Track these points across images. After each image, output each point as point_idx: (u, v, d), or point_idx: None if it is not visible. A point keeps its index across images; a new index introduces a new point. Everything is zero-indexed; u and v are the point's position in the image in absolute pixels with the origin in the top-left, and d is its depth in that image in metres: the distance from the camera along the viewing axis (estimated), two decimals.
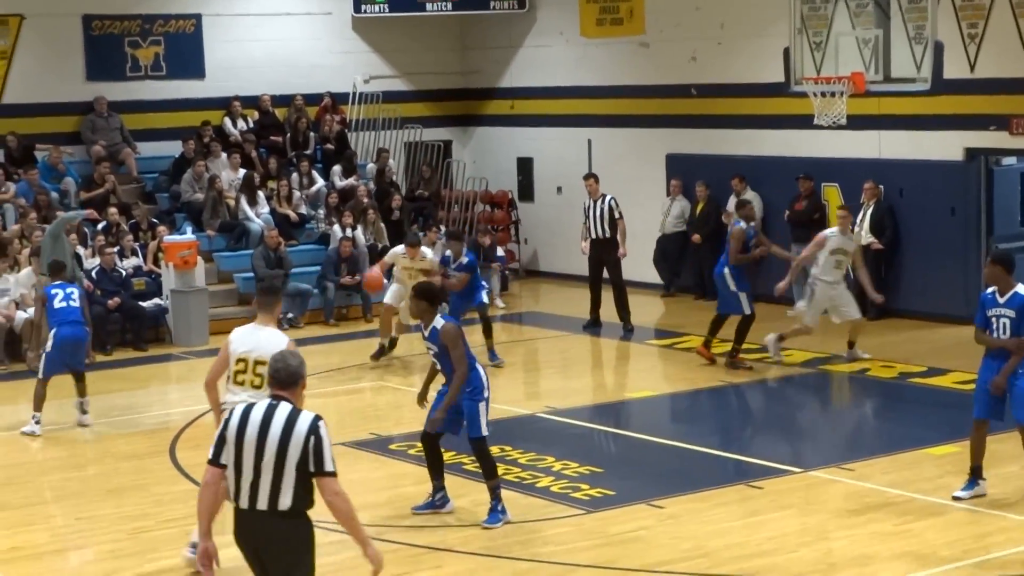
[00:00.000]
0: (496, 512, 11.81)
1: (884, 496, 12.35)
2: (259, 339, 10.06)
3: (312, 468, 7.51)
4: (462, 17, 26.97)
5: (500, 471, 13.27)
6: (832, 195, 21.55)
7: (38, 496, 13.39)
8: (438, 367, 11.95)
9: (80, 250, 20.64)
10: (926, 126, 20.42)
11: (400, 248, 18.51)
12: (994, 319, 11.80)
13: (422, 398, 12.38)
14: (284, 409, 7.58)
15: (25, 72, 23.30)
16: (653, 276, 23.97)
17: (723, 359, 17.94)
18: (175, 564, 10.85)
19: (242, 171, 23.50)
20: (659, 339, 20.53)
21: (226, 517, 7.86)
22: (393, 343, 18.93)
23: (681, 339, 20.12)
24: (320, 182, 24.38)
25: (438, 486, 12.11)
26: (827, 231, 18.20)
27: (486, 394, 11.79)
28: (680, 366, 18.62)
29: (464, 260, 18.17)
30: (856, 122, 20.69)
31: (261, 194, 23.35)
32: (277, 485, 7.49)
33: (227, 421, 7.67)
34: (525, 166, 26.86)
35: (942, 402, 16.17)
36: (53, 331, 15.51)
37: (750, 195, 22.42)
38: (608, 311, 20.83)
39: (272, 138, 25.00)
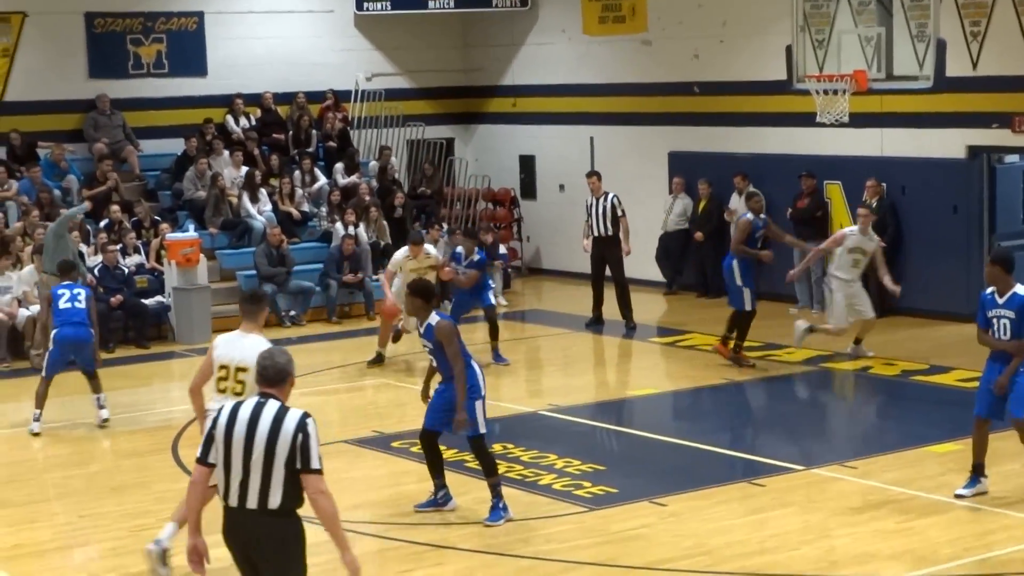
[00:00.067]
0: (498, 509, 11.82)
1: (886, 494, 12.35)
2: (242, 346, 10.04)
3: (299, 465, 7.48)
4: (464, 15, 26.97)
5: (502, 469, 13.29)
6: (834, 193, 21.56)
7: (41, 493, 13.40)
8: (434, 364, 11.97)
9: (83, 248, 20.64)
10: (928, 124, 20.41)
11: (402, 251, 18.32)
12: (995, 320, 11.77)
13: (425, 395, 12.40)
14: (272, 407, 7.57)
15: (28, 70, 23.31)
16: (655, 274, 23.98)
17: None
18: (178, 562, 10.85)
19: (244, 169, 23.50)
20: (661, 337, 20.53)
21: (216, 516, 7.83)
22: (398, 335, 18.77)
23: (683, 337, 20.13)
24: (322, 180, 24.38)
25: (439, 484, 12.12)
26: (847, 229, 18.18)
27: (482, 392, 11.77)
28: (682, 364, 18.62)
29: (475, 258, 18.19)
30: (858, 120, 20.69)
31: (263, 191, 23.35)
32: (267, 483, 7.47)
33: (215, 420, 7.66)
34: (527, 164, 26.86)
35: (944, 400, 16.16)
36: (55, 331, 15.52)
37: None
38: (610, 309, 20.83)
39: (274, 136, 25.01)
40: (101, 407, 15.72)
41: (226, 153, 23.84)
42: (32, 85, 23.33)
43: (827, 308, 18.46)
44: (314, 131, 25.31)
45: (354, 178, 24.50)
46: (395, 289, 17.94)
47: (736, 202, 22.61)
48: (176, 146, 24.16)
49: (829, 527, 11.56)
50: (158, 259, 21.48)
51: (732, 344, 17.80)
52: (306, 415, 7.59)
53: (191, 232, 21.95)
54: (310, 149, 25.00)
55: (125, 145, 23.76)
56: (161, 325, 21.03)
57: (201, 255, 21.20)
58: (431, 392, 12.21)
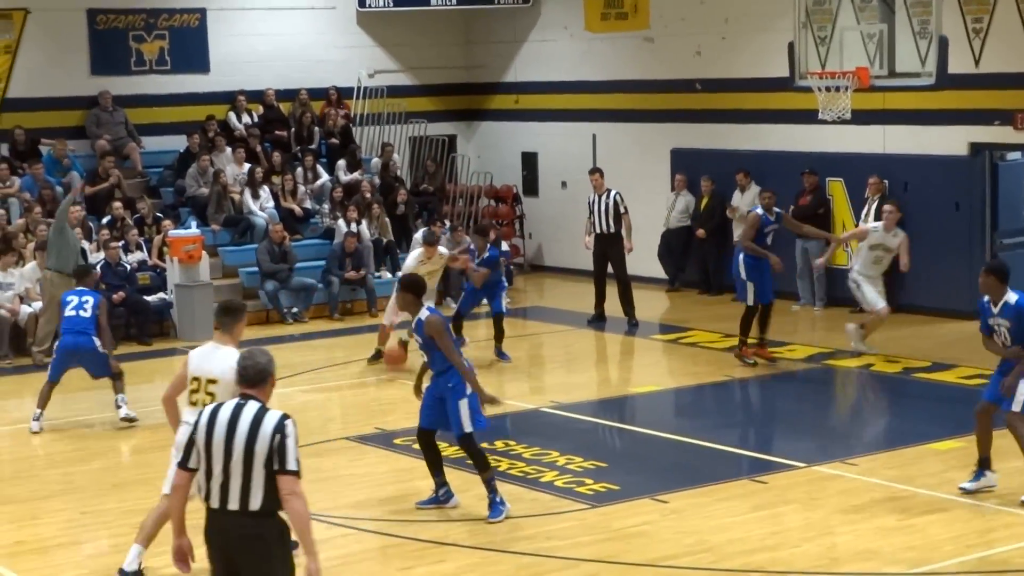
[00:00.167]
0: (496, 505, 11.82)
1: (888, 491, 12.35)
2: (213, 359, 10.02)
3: (275, 466, 7.42)
4: (466, 11, 26.97)
5: (504, 466, 13.32)
6: (836, 190, 21.57)
7: (43, 490, 13.40)
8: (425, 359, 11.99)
9: (85, 244, 20.64)
10: (930, 121, 20.41)
11: (416, 254, 18.03)
12: (995, 326, 11.96)
13: (418, 389, 12.42)
14: (251, 408, 7.53)
15: (30, 66, 23.32)
16: (658, 271, 23.99)
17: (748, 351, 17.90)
18: (163, 562, 10.85)
19: (247, 166, 23.51)
20: (664, 334, 20.53)
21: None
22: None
23: (685, 334, 20.13)
24: (324, 177, 24.39)
25: (440, 482, 12.12)
26: (871, 224, 18.10)
27: (468, 390, 11.74)
28: (684, 360, 18.62)
29: (487, 255, 18.13)
30: (861, 117, 20.67)
31: (266, 188, 23.35)
32: (247, 485, 7.42)
33: (196, 423, 7.64)
34: (530, 161, 26.86)
35: (946, 397, 16.16)
36: (60, 339, 15.59)
37: (755, 190, 22.44)
38: (613, 306, 20.83)
39: (277, 132, 25.01)
40: (118, 407, 15.63)
41: (228, 150, 23.84)
42: (34, 82, 23.34)
43: (861, 302, 18.32)
44: (316, 128, 25.31)
45: (356, 175, 24.50)
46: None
47: (738, 199, 22.62)
48: (178, 143, 24.16)
49: (831, 524, 11.57)
50: (160, 256, 21.48)
51: (766, 344, 17.80)
52: (285, 416, 7.51)
53: (193, 229, 21.96)
54: (312, 146, 25.01)
55: (127, 142, 23.77)
56: (163, 322, 21.04)
57: (203, 252, 21.21)
58: (423, 387, 12.24)
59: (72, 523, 12.27)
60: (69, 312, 15.43)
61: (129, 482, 13.42)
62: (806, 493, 12.41)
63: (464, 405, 11.71)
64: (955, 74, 20.09)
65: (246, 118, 24.86)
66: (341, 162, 24.73)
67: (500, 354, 18.38)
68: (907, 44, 20.74)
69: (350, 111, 26.03)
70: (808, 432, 15.37)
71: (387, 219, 23.67)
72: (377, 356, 18.51)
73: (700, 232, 23.20)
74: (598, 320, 21.00)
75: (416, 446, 12.37)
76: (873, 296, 17.81)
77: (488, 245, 18.28)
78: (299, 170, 24.21)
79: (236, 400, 7.60)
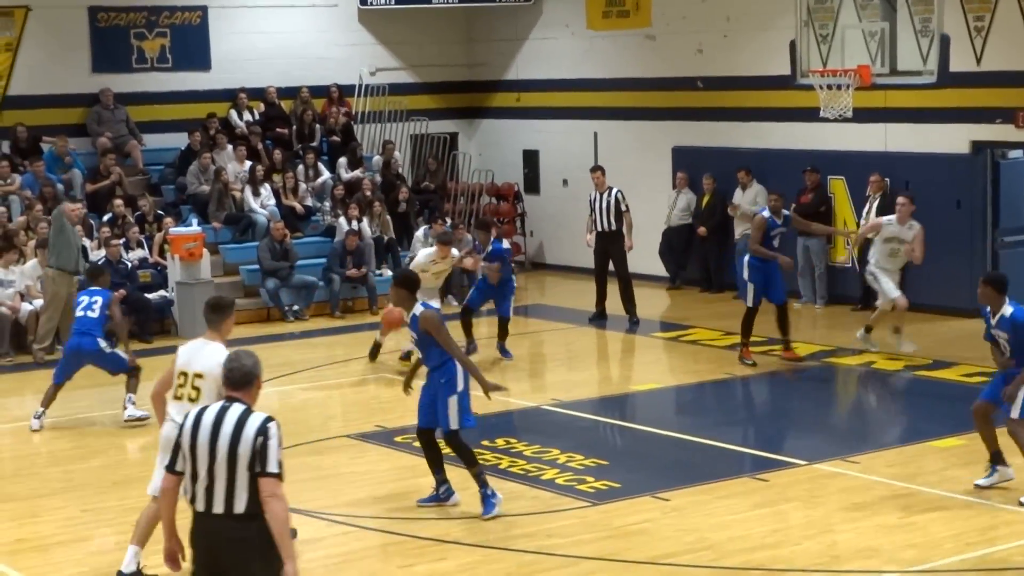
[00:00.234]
0: (488, 500, 11.81)
1: (889, 489, 12.35)
2: (201, 354, 10.02)
3: (257, 468, 7.38)
4: (468, 9, 26.96)
5: (505, 464, 13.34)
6: (838, 188, 21.57)
7: (44, 488, 13.40)
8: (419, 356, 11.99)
9: (86, 242, 20.64)
10: (932, 119, 20.40)
11: (429, 252, 17.63)
12: (996, 336, 12.02)
13: (407, 385, 12.41)
14: (236, 410, 7.50)
15: (31, 64, 23.31)
16: (659, 269, 23.98)
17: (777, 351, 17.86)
18: (155, 561, 10.85)
19: (248, 163, 23.50)
20: (665, 332, 20.53)
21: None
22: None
23: (687, 331, 20.12)
24: (326, 174, 24.38)
25: (440, 479, 12.12)
26: (884, 217, 17.85)
27: (459, 388, 11.73)
28: (685, 358, 18.62)
29: (491, 248, 18.00)
30: (862, 115, 20.66)
31: (267, 186, 23.34)
32: (231, 488, 7.38)
33: (181, 426, 7.61)
34: (531, 158, 26.85)
35: (947, 395, 16.15)
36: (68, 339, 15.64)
37: (756, 188, 22.46)
38: (614, 304, 20.83)
39: (278, 130, 25.00)
40: (124, 407, 15.60)
41: (229, 147, 23.84)
42: (36, 79, 23.34)
43: (879, 294, 18.12)
44: (318, 126, 25.30)
45: (358, 173, 24.49)
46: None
47: (739, 197, 22.61)
48: (180, 140, 24.16)
49: (832, 522, 11.56)
50: (161, 253, 21.48)
51: (791, 347, 17.69)
52: (269, 419, 7.49)
53: (194, 226, 21.94)
54: (314, 144, 25.00)
55: (128, 139, 23.77)
56: (164, 320, 21.03)
57: (204, 250, 21.20)
58: (412, 384, 12.25)
59: (73, 521, 12.26)
60: (79, 312, 15.45)
61: (130, 480, 13.40)
62: (807, 491, 12.40)
63: (454, 402, 11.69)
64: (957, 72, 20.08)
65: (247, 116, 24.85)
66: (342, 160, 24.73)
67: (503, 351, 18.32)
68: (909, 42, 20.73)
69: (351, 109, 26.02)
70: (809, 430, 15.37)
71: (388, 217, 23.67)
72: (376, 350, 18.38)
73: (701, 230, 23.20)
74: (599, 318, 21.00)
75: (417, 444, 12.36)
76: (889, 287, 17.61)
77: (491, 239, 18.20)
78: (300, 168, 24.20)
79: (221, 403, 7.57)
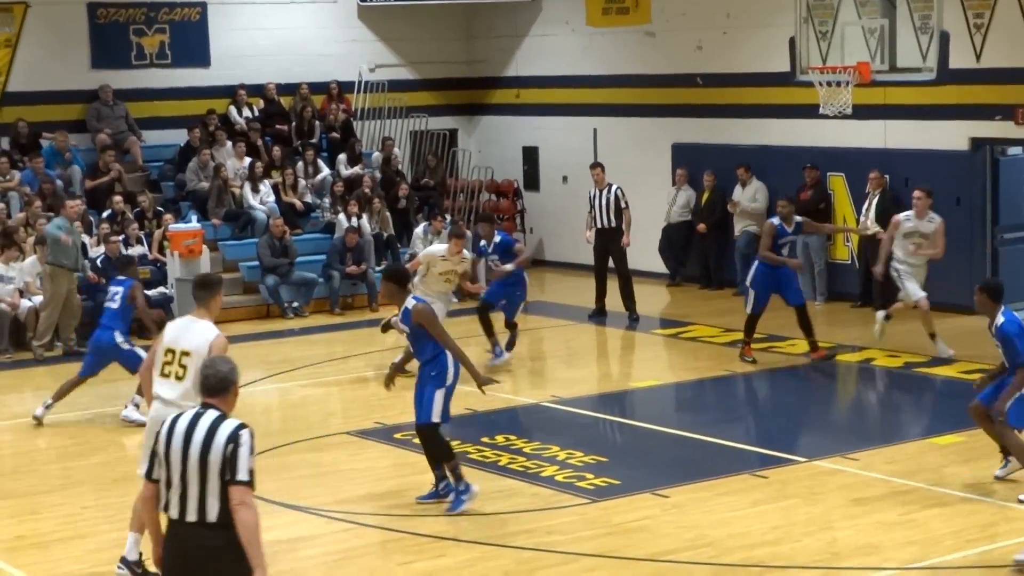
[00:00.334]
0: (459, 496, 11.81)
1: (889, 486, 12.35)
2: (190, 332, 10.01)
3: (228, 475, 7.27)
4: (468, 6, 26.95)
5: (505, 460, 13.34)
6: (838, 185, 21.56)
7: (43, 485, 13.39)
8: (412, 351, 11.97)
9: (85, 238, 20.64)
10: (931, 116, 20.40)
11: (440, 247, 17.19)
12: (995, 343, 12.05)
13: (390, 380, 12.37)
14: (209, 417, 7.38)
15: (30, 60, 23.30)
16: (658, 265, 23.98)
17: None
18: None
19: (247, 160, 23.49)
20: (664, 328, 20.53)
21: None
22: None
23: (686, 328, 20.12)
24: (325, 171, 24.38)
25: (440, 476, 12.11)
26: (901, 214, 17.62)
27: (448, 382, 11.73)
28: (685, 355, 18.62)
29: (497, 239, 17.72)
30: (861, 112, 20.67)
31: (266, 182, 23.33)
32: (203, 495, 7.28)
33: (157, 433, 7.55)
34: (531, 155, 26.85)
35: (947, 392, 16.17)
36: None
37: (756, 185, 22.46)
38: (613, 300, 20.82)
39: (277, 127, 25.00)
40: (126, 405, 15.53)
41: (229, 144, 23.84)
42: (35, 76, 23.32)
43: (902, 292, 17.97)
44: (317, 122, 25.30)
45: (357, 169, 24.49)
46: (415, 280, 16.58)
47: (739, 193, 22.61)
48: (179, 137, 24.15)
49: (831, 519, 11.56)
50: (161, 250, 21.48)
51: (819, 347, 17.55)
52: (242, 426, 7.35)
53: (194, 223, 21.95)
54: (313, 140, 25.00)
55: (128, 136, 23.77)
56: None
57: (204, 246, 21.21)
58: (395, 380, 12.26)
59: (72, 518, 12.26)
60: (106, 303, 15.50)
61: (129, 477, 13.33)
62: (807, 488, 12.40)
63: (440, 395, 11.69)
64: (956, 69, 20.08)
65: (247, 112, 24.85)
66: (342, 156, 24.73)
67: (502, 350, 17.84)
68: (908, 39, 20.73)
69: (351, 105, 26.01)
70: (809, 427, 15.38)
71: (388, 213, 23.66)
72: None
73: (701, 227, 23.20)
74: (599, 315, 21.00)
75: (416, 440, 12.36)
76: (913, 287, 17.35)
77: (495, 231, 18.02)
78: (300, 164, 24.20)
79: (196, 409, 7.49)
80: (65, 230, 18.94)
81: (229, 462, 7.26)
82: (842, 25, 21.22)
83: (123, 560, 10.37)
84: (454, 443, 13.12)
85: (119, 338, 15.26)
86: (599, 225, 20.58)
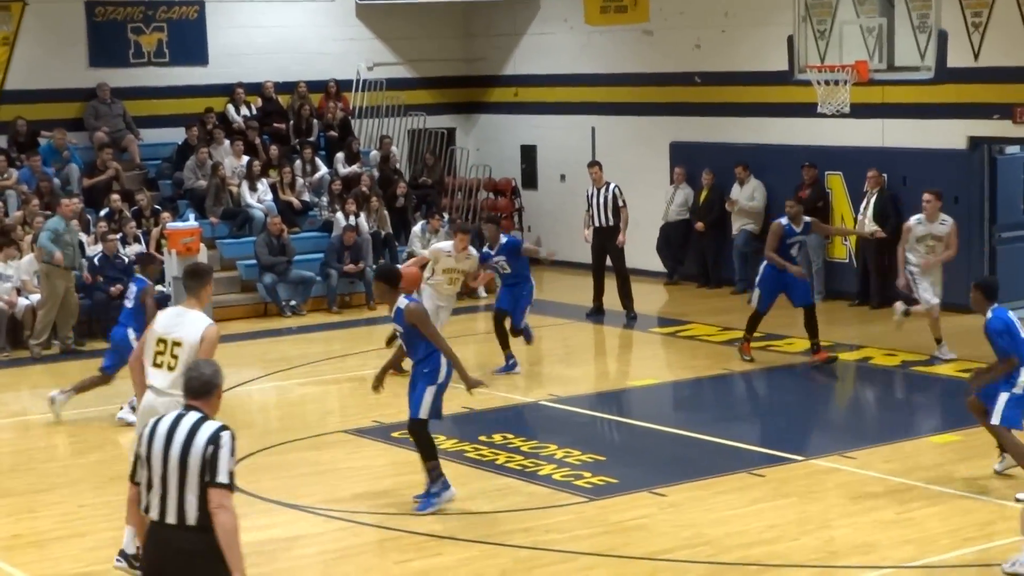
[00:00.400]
0: (430, 497, 11.81)
1: (886, 484, 12.35)
2: (181, 322, 10.03)
3: (207, 477, 7.23)
4: (466, 4, 26.94)
5: (502, 459, 13.33)
6: (836, 183, 21.56)
7: (41, 483, 13.37)
8: (405, 350, 11.96)
9: (83, 237, 20.63)
10: (929, 115, 20.40)
11: (446, 245, 17.13)
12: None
13: (378, 382, 12.35)
14: (190, 419, 7.36)
15: (28, 58, 23.28)
16: (656, 264, 23.97)
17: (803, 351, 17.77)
18: None
19: (245, 158, 23.48)
20: (662, 327, 20.52)
21: None
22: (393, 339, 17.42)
23: (684, 327, 20.12)
24: (323, 169, 24.37)
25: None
26: (912, 219, 17.43)
27: (440, 380, 11.73)
28: (683, 354, 18.61)
29: (504, 240, 17.31)
30: (860, 110, 20.67)
31: (264, 181, 23.32)
32: (182, 497, 7.25)
33: (140, 435, 7.54)
34: (529, 154, 26.84)
35: (944, 390, 16.16)
36: None
37: (754, 183, 22.46)
38: (611, 299, 20.82)
39: (275, 125, 24.99)
40: (122, 406, 15.49)
41: (227, 142, 23.83)
42: (33, 74, 23.31)
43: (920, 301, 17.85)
44: (315, 120, 25.28)
45: (355, 168, 24.48)
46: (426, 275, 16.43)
47: (737, 192, 22.61)
48: (177, 135, 24.14)
49: (828, 517, 11.56)
50: (158, 248, 21.45)
51: (821, 349, 17.42)
52: (222, 428, 7.32)
53: (192, 221, 21.92)
54: (311, 138, 24.98)
55: (126, 134, 23.75)
56: None
57: (201, 244, 21.17)
58: (383, 383, 12.24)
59: (70, 516, 12.25)
60: (124, 301, 15.53)
61: (126, 475, 13.35)
62: (804, 486, 12.40)
63: (430, 392, 11.71)
64: (954, 68, 20.07)
65: (244, 110, 24.84)
66: (340, 155, 24.72)
67: (510, 361, 17.46)
68: (906, 38, 20.74)
69: (349, 104, 26.00)
70: (806, 425, 15.37)
71: (386, 212, 23.65)
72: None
73: (699, 225, 23.19)
74: (597, 313, 21.00)
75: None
76: (927, 293, 17.24)
77: (500, 233, 17.85)
78: (297, 163, 24.19)
79: (178, 411, 7.48)
80: (63, 230, 18.93)
81: (209, 464, 7.22)
82: (840, 24, 21.22)
83: (121, 553, 10.38)
84: (451, 441, 13.14)
85: (132, 335, 15.29)
86: (597, 224, 20.58)
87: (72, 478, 13.47)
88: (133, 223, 21.58)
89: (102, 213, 21.68)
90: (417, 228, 23.07)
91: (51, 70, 23.44)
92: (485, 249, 17.48)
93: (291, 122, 25.15)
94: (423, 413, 11.73)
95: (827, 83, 20.70)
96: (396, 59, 26.61)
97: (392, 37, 26.53)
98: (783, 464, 13.13)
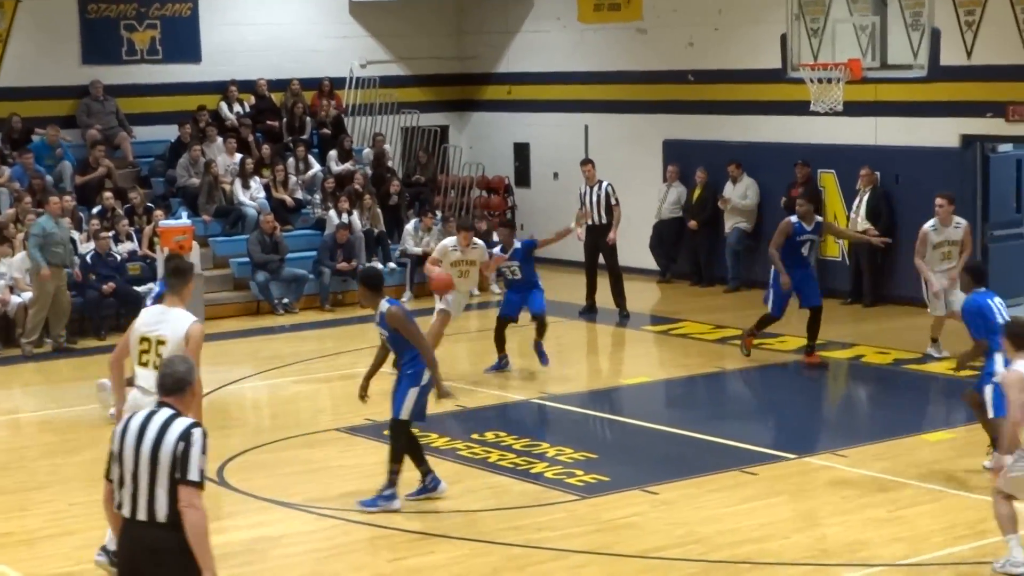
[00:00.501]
0: (379, 496, 11.82)
1: (878, 482, 12.35)
2: (164, 320, 10.01)
3: (177, 474, 7.20)
4: (459, 2, 26.93)
5: (495, 457, 13.32)
6: (828, 181, 21.56)
7: (31, 481, 13.35)
8: (390, 352, 11.99)
9: (75, 234, 20.60)
10: (922, 113, 20.40)
11: (450, 240, 17.04)
12: None
13: (363, 390, 12.36)
14: (162, 416, 7.32)
15: (20, 55, 23.25)
16: (649, 262, 23.96)
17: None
18: None
19: (238, 156, 23.46)
20: (655, 325, 20.52)
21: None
22: (505, 361, 17.42)
23: (677, 325, 20.12)
24: (316, 167, 24.35)
25: (424, 470, 12.10)
26: (927, 224, 17.04)
27: (423, 382, 11.76)
28: (675, 352, 18.61)
29: (518, 245, 17.15)
30: (852, 108, 20.66)
31: (257, 179, 23.30)
32: (152, 494, 7.22)
33: (114, 432, 7.50)
34: (522, 151, 26.82)
35: (936, 388, 16.17)
36: None
37: (746, 181, 22.47)
38: (604, 297, 20.81)
39: (268, 123, 24.96)
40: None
41: (220, 140, 23.80)
42: (25, 71, 23.27)
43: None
44: (308, 118, 25.26)
45: (348, 165, 24.46)
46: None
47: (730, 190, 22.61)
48: (169, 133, 24.11)
49: (821, 515, 11.56)
50: (151, 246, 21.42)
51: (815, 352, 17.31)
52: (194, 424, 7.29)
53: (184, 219, 21.91)
54: (304, 136, 24.97)
55: (118, 131, 23.72)
56: None
57: (194, 242, 21.13)
58: (368, 391, 12.26)
59: (60, 515, 12.21)
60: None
61: None
62: (796, 484, 12.40)
63: (413, 393, 11.74)
64: (947, 66, 20.08)
65: (238, 108, 24.81)
66: (333, 152, 24.69)
67: (540, 352, 17.38)
68: (899, 36, 20.74)
69: (342, 101, 25.98)
70: (799, 423, 15.37)
71: (379, 210, 23.62)
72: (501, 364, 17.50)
73: (692, 223, 23.19)
74: (589, 311, 20.99)
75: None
76: (939, 303, 16.93)
77: (514, 236, 17.52)
78: (290, 160, 24.17)
79: (150, 408, 7.46)
80: (53, 228, 18.90)
81: (180, 461, 7.19)
82: (833, 22, 21.22)
83: (103, 549, 10.36)
84: (444, 439, 13.12)
85: None
86: (590, 222, 20.57)
87: (63, 476, 13.43)
88: (125, 221, 21.55)
89: (94, 211, 21.65)
90: (410, 226, 23.06)
91: (44, 67, 23.41)
92: (496, 243, 17.43)
93: (284, 120, 25.12)
94: (404, 414, 11.77)
95: (820, 81, 20.70)
96: (389, 57, 26.60)
97: (385, 35, 26.51)
98: (775, 462, 13.13)
